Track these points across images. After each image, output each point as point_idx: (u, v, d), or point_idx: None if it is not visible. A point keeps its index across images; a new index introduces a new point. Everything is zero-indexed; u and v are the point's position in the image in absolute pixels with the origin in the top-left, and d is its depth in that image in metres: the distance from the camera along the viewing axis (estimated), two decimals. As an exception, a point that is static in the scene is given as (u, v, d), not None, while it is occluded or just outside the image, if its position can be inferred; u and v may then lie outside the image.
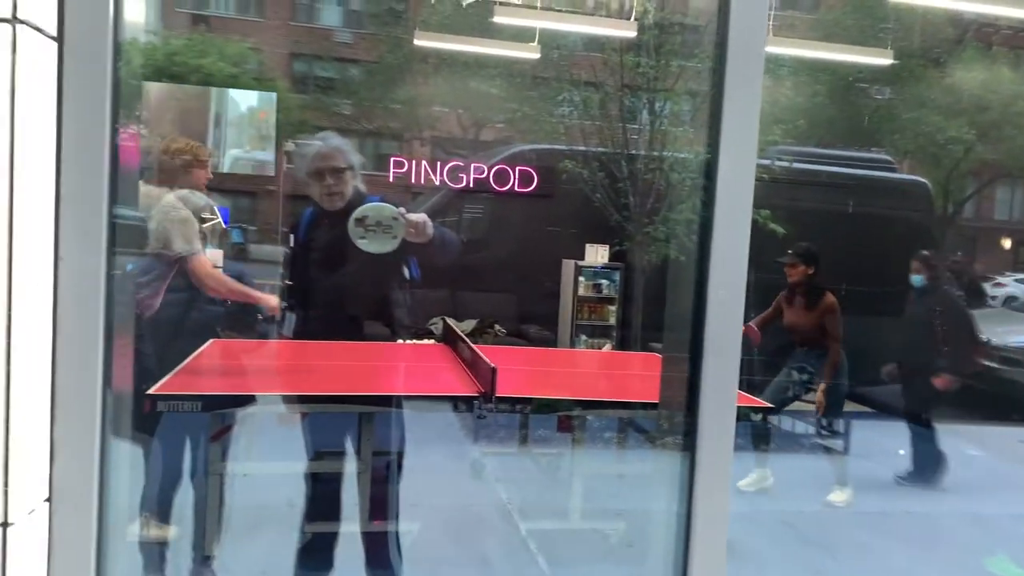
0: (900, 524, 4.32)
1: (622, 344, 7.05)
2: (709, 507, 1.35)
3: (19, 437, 0.99)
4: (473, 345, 3.58)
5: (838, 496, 4.79)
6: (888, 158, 8.97)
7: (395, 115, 17.72)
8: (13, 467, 0.98)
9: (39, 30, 1.00)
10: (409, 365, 3.56)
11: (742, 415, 3.44)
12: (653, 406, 3.66)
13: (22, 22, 0.96)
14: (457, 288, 7.21)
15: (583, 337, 7.23)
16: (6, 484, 0.98)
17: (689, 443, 1.36)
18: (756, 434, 4.85)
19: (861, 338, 6.88)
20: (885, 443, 5.94)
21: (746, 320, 5.05)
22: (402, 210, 2.76)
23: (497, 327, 7.13)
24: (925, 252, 5.49)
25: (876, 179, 7.83)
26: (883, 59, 8.02)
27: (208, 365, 3.10)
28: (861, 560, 3.80)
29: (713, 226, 1.33)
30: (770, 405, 3.41)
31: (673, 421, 1.45)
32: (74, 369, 1.09)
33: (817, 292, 4.94)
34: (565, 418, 3.94)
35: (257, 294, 3.10)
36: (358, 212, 2.70)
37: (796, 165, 7.29)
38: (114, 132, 1.11)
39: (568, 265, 7.37)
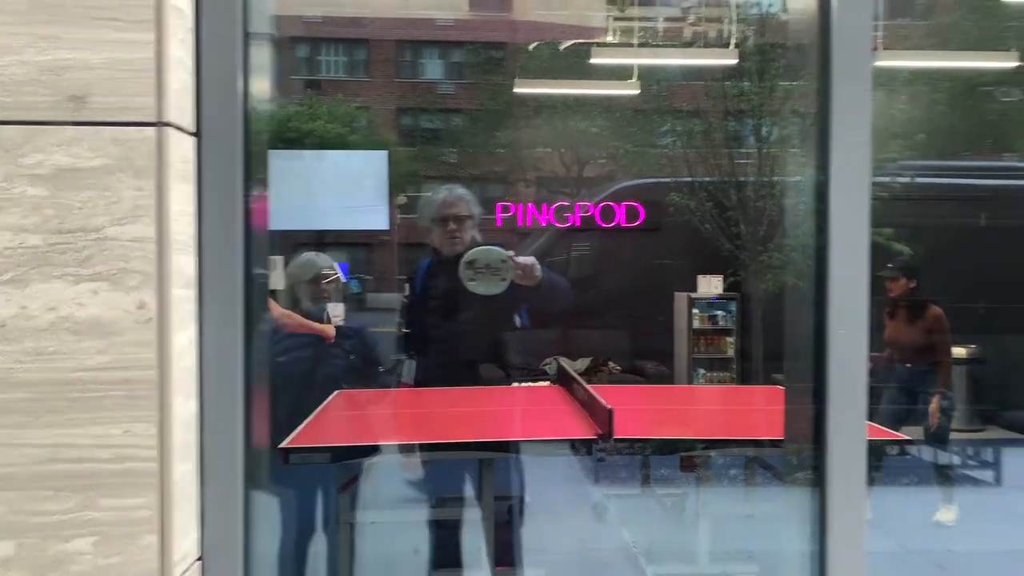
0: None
1: (743, 377, 6.83)
2: (845, 547, 1.29)
3: (176, 501, 1.08)
4: (588, 386, 3.57)
5: (945, 515, 4.58)
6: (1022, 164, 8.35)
7: (499, 159, 18.14)
8: (170, 530, 1.07)
9: (180, 129, 1.11)
10: (525, 408, 3.59)
11: (878, 449, 3.26)
12: (779, 443, 3.52)
13: (166, 124, 1.07)
14: (569, 327, 7.21)
15: (701, 371, 7.06)
16: (162, 546, 1.06)
17: (819, 480, 1.32)
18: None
19: (1005, 359, 6.40)
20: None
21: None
22: (511, 253, 2.85)
23: (611, 364, 7.06)
24: None
25: (1011, 188, 7.30)
26: (1007, 62, 7.53)
27: (335, 417, 3.23)
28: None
29: (828, 260, 1.30)
30: (906, 437, 3.21)
31: (801, 456, 1.40)
32: (218, 431, 1.18)
33: (920, 305, 4.73)
34: (688, 457, 3.85)
35: (317, 326, 3.21)
36: (468, 255, 2.84)
37: (919, 180, 6.92)
38: (247, 212, 1.20)
39: (681, 298, 7.24)
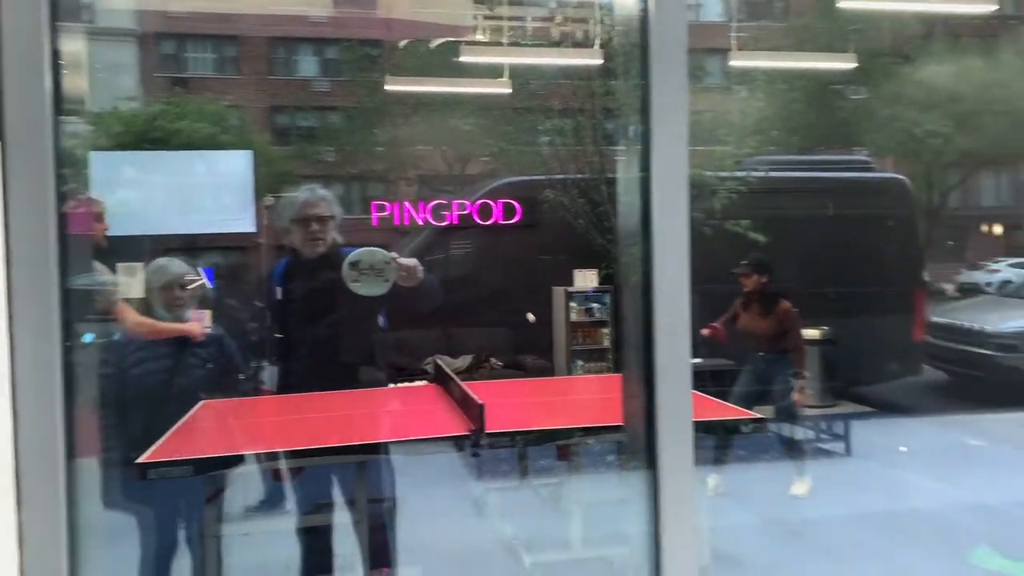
0: (909, 523, 4.30)
1: (619, 367, 7.05)
2: (676, 525, 1.37)
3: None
4: (462, 382, 3.60)
5: (799, 488, 4.89)
6: (865, 158, 9.05)
7: (378, 158, 17.91)
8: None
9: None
10: (400, 409, 3.57)
11: (733, 427, 3.45)
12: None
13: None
14: (450, 325, 7.23)
15: (579, 362, 7.24)
16: (-29, 571, 1.00)
17: (651, 462, 1.39)
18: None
19: (852, 338, 6.92)
20: (884, 441, 5.95)
21: (710, 322, 5.10)
22: (394, 255, 2.87)
23: (493, 360, 7.13)
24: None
25: (854, 180, 7.89)
26: (845, 63, 8.12)
27: (199, 428, 3.11)
28: (868, 563, 3.79)
29: (652, 251, 1.37)
30: (759, 416, 3.41)
31: (637, 441, 1.48)
32: (35, 450, 1.12)
33: (772, 299, 5.03)
34: (564, 446, 3.94)
35: (176, 327, 3.04)
36: (352, 256, 2.83)
37: (774, 173, 7.35)
38: (61, 218, 1.15)
39: (559, 292, 7.40)
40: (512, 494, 4.54)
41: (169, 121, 16.61)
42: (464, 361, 6.98)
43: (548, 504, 4.12)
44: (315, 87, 21.40)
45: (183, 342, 2.92)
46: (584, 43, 6.71)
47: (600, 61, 6.48)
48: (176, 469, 2.66)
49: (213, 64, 21.94)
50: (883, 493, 4.87)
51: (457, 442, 3.35)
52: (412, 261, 2.92)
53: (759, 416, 3.39)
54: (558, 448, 4.07)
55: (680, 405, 1.37)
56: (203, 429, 3.12)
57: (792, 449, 5.10)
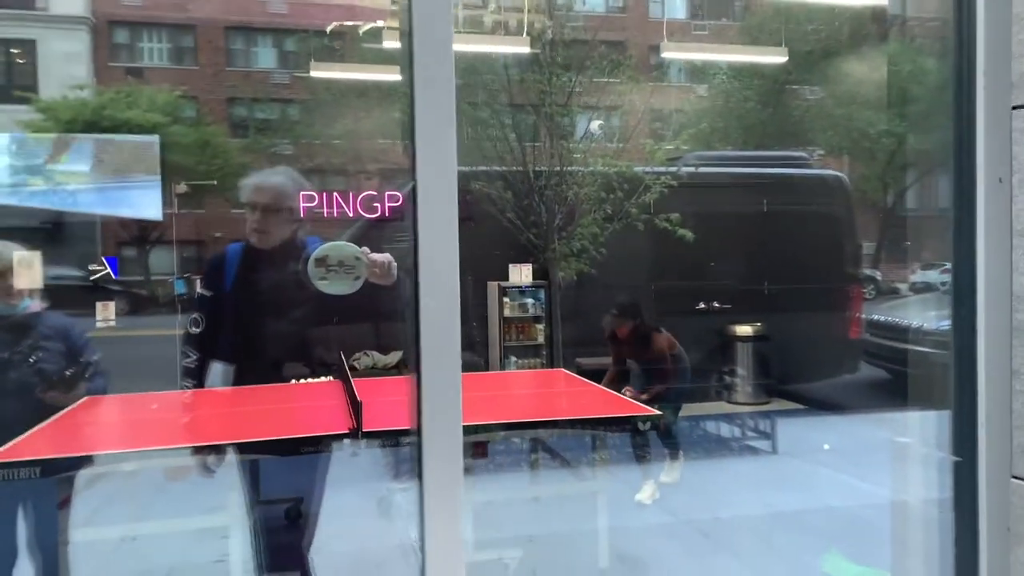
0: (820, 520, 4.24)
1: (552, 362, 6.95)
2: (441, 536, 1.24)
3: None
4: (353, 379, 3.46)
5: (668, 475, 4.84)
6: (802, 155, 8.96)
7: (336, 151, 17.66)
8: None
9: None
10: (295, 406, 3.43)
11: (630, 423, 3.34)
12: (551, 424, 3.58)
13: None
14: (381, 320, 7.06)
15: (513, 358, 7.11)
16: None
17: (418, 469, 1.27)
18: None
19: (787, 335, 6.89)
20: (812, 439, 5.91)
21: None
22: (365, 250, 2.60)
23: (423, 356, 6.99)
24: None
25: (789, 176, 7.80)
26: (778, 57, 8.07)
27: (56, 427, 2.93)
28: (769, 561, 3.71)
29: (418, 237, 1.25)
30: (659, 412, 3.31)
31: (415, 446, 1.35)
32: None
33: (647, 337, 4.96)
34: (479, 444, 3.82)
35: None
36: (319, 252, 2.54)
37: (705, 169, 7.25)
38: None
39: (492, 287, 7.26)
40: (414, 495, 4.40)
41: (119, 110, 16.33)
42: (394, 357, 6.84)
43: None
44: (274, 79, 21.14)
45: (23, 331, 2.71)
46: (518, 32, 6.57)
47: (527, 50, 6.35)
48: (22, 471, 2.50)
49: (168, 54, 21.60)
50: (801, 491, 4.81)
51: (383, 439, 3.19)
52: (385, 256, 2.59)
53: (656, 412, 3.28)
54: (474, 446, 3.95)
55: (448, 409, 1.24)
56: (60, 428, 2.94)
57: (640, 452, 4.90)
